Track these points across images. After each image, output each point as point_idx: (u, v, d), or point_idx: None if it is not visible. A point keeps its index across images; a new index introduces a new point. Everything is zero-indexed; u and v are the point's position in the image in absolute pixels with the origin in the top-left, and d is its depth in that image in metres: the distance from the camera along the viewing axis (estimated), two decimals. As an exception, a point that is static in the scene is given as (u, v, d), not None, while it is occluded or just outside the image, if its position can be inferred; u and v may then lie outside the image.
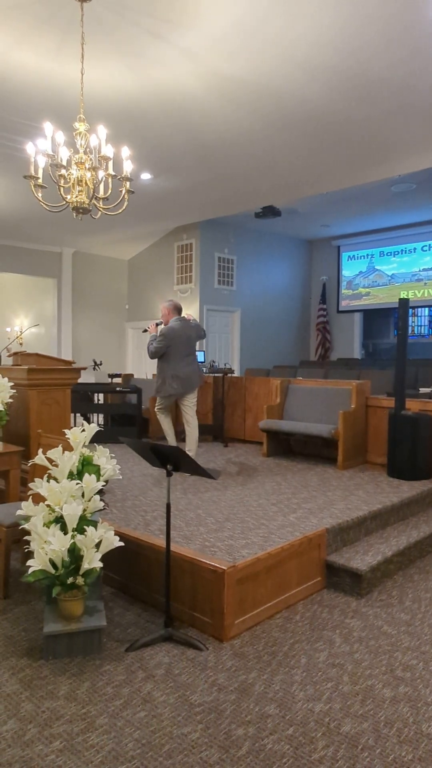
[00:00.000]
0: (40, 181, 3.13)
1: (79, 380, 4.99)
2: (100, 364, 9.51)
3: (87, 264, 11.32)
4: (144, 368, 11.39)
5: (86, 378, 8.45)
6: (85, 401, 7.81)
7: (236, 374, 10.27)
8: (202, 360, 7.41)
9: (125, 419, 7.68)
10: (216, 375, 7.43)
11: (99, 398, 8.42)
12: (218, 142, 5.66)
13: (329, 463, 5.70)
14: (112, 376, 8.71)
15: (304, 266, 12.79)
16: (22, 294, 12.48)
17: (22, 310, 12.61)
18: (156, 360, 5.43)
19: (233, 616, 2.79)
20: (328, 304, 12.49)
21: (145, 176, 6.62)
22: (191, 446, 5.50)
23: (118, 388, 7.68)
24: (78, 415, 7.84)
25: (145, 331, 5.69)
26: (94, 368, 9.21)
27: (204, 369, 7.39)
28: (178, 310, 5.46)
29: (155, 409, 5.74)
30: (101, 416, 8.33)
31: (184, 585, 2.94)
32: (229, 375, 7.39)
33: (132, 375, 9.05)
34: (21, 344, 11.89)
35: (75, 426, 3.30)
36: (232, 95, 4.65)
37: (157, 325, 5.55)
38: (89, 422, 8.22)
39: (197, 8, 3.44)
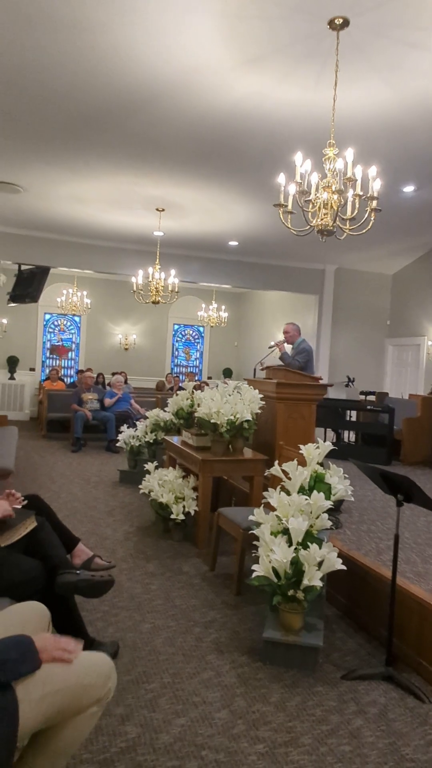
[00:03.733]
0: (289, 208, 3.31)
1: (331, 396, 5.10)
2: (353, 381, 9.42)
3: (349, 280, 11.35)
4: (402, 388, 10.84)
5: (337, 394, 8.47)
6: (335, 416, 7.85)
7: None
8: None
9: (375, 439, 7.46)
10: None
11: (352, 415, 8.34)
12: None
13: None
14: (365, 393, 8.56)
15: None
16: (287, 309, 13.21)
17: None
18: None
19: (465, 675, 2.47)
20: None
21: (408, 188, 6.35)
22: None
23: (369, 407, 7.51)
24: (328, 429, 7.92)
25: (272, 347, 6.08)
26: (347, 385, 9.17)
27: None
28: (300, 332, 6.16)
29: None
30: (353, 433, 8.25)
31: (411, 626, 2.73)
32: None
33: (387, 394, 8.74)
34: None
35: (324, 440, 3.36)
36: None
37: (283, 343, 6.02)
38: (340, 438, 8.24)
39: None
